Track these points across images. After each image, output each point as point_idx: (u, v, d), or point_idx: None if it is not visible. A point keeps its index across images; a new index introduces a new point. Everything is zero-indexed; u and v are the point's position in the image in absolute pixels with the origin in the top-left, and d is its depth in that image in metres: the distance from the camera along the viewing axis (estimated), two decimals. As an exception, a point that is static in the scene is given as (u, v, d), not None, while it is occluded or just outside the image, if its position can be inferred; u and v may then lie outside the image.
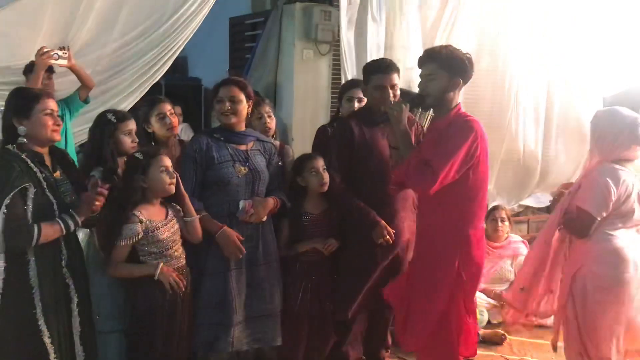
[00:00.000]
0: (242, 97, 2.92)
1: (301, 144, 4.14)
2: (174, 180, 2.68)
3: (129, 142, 2.87)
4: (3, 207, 2.22)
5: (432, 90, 2.65)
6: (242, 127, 3.00)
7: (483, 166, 2.66)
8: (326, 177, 3.08)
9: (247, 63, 5.05)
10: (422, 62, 2.70)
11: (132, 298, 2.69)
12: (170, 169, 2.68)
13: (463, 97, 4.54)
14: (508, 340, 3.98)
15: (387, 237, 3.05)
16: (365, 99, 3.35)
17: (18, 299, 2.30)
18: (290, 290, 3.09)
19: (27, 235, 2.26)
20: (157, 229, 2.64)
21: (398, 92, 3.08)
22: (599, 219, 2.80)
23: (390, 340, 3.55)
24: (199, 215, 2.78)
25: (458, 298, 2.71)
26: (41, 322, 2.32)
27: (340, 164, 3.14)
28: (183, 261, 2.75)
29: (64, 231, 2.36)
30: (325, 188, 3.09)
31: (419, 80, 2.74)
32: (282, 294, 3.06)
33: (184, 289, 2.69)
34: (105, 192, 2.44)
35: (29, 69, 3.38)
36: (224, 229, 2.83)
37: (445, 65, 2.61)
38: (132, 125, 2.91)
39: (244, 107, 2.94)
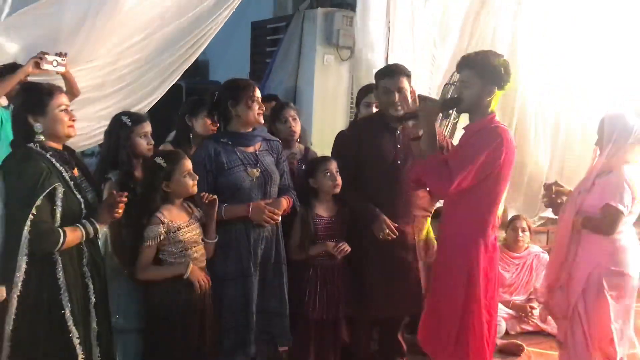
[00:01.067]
0: None
1: (320, 149, 4.11)
2: (196, 182, 2.70)
3: (144, 144, 2.88)
4: (33, 209, 2.19)
5: (466, 96, 2.65)
6: (249, 128, 2.98)
7: (504, 176, 2.64)
8: (339, 179, 3.09)
9: (267, 67, 5.06)
10: (459, 68, 2.71)
11: (150, 297, 2.69)
12: (192, 172, 2.70)
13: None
14: (526, 351, 3.93)
15: (389, 232, 3.05)
16: None
17: (47, 299, 2.29)
18: (303, 295, 3.08)
19: (53, 240, 2.24)
20: (178, 230, 2.65)
21: (407, 95, 3.11)
22: (625, 214, 2.90)
23: (405, 347, 3.53)
24: (222, 208, 2.80)
25: (473, 305, 2.69)
26: (70, 322, 2.31)
27: (345, 164, 3.14)
28: (203, 263, 2.76)
29: (84, 237, 2.35)
30: (338, 190, 3.11)
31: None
32: (296, 298, 3.06)
33: (208, 289, 2.71)
34: (124, 199, 2.43)
35: (10, 69, 3.16)
36: (253, 205, 2.85)
37: (480, 73, 2.60)
38: (147, 127, 2.91)
39: None
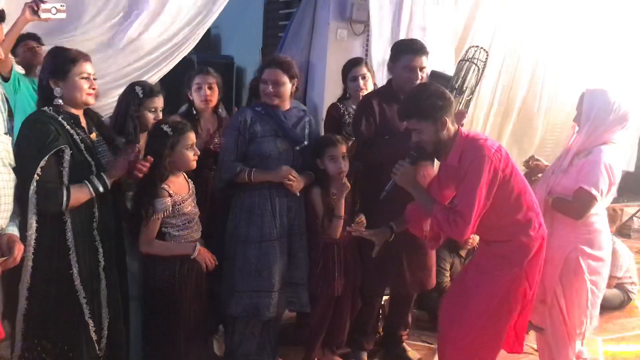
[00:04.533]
0: (286, 79, 2.97)
1: (332, 124, 4.10)
2: (197, 157, 2.72)
3: (151, 118, 2.88)
4: (38, 169, 2.24)
5: (426, 142, 2.57)
6: (286, 106, 3.05)
7: (515, 177, 2.56)
8: (345, 165, 3.06)
9: (280, 41, 5.02)
10: (402, 118, 2.65)
11: (147, 269, 2.72)
12: (195, 146, 2.72)
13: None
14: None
15: None
16: (369, 76, 3.46)
17: (56, 259, 2.34)
18: (313, 268, 3.12)
19: (56, 200, 2.28)
20: (182, 202, 2.68)
21: (425, 75, 3.12)
22: (599, 200, 2.82)
23: (410, 321, 3.57)
24: (250, 171, 2.90)
25: (517, 300, 2.63)
26: (77, 282, 2.37)
27: (368, 132, 3.12)
28: (199, 234, 2.80)
29: (93, 194, 2.37)
30: (343, 176, 3.07)
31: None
32: (311, 269, 3.12)
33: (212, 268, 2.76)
34: (147, 165, 2.46)
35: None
36: (277, 171, 2.91)
37: (423, 116, 2.52)
38: (158, 102, 2.91)
39: (287, 88, 2.99)
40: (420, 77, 3.11)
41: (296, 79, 3.02)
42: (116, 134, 2.80)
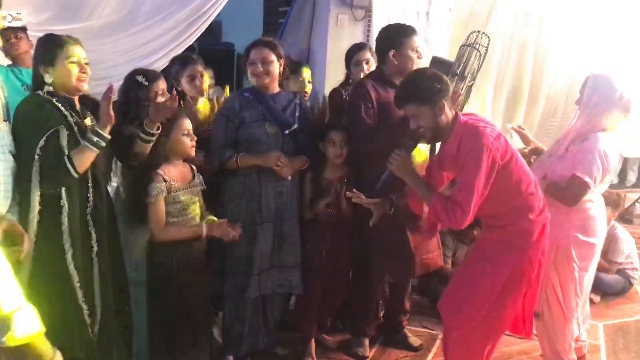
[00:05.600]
0: (273, 57, 2.96)
1: (332, 111, 4.09)
2: (194, 143, 2.72)
3: (162, 101, 2.84)
4: (37, 150, 2.24)
5: (423, 126, 2.53)
6: (275, 87, 3.05)
7: (513, 161, 2.52)
8: (343, 151, 3.09)
9: (280, 28, 5.00)
10: (400, 105, 2.59)
11: (151, 253, 2.73)
12: (192, 132, 2.71)
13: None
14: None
15: None
16: (373, 62, 3.41)
17: (51, 242, 2.35)
18: (309, 249, 3.16)
19: (62, 169, 2.28)
20: (178, 190, 2.68)
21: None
22: (592, 187, 2.82)
23: (408, 307, 3.58)
24: (238, 156, 2.90)
25: (520, 286, 2.62)
26: (71, 267, 2.38)
27: (369, 118, 3.09)
28: (197, 221, 2.78)
29: (95, 149, 2.34)
30: (339, 161, 3.12)
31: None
32: (302, 251, 3.15)
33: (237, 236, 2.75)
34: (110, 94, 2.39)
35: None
36: (266, 156, 2.91)
37: (421, 101, 2.49)
38: (163, 84, 2.92)
39: (276, 67, 2.98)
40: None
41: (282, 59, 3.02)
42: (125, 123, 2.77)
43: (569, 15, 5.23)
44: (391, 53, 3.14)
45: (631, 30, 5.67)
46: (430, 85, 2.49)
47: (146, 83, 2.83)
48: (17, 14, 3.22)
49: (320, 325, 3.43)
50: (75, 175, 2.30)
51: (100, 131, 2.36)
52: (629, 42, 5.66)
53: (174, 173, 2.70)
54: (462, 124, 2.55)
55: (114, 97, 2.47)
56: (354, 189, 2.78)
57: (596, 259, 3.04)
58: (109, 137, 2.38)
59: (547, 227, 2.63)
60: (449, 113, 2.54)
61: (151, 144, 2.65)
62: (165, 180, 2.63)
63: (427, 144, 2.76)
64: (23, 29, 3.51)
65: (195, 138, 2.74)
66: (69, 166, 2.28)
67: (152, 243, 2.71)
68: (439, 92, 2.49)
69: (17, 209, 2.27)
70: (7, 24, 3.16)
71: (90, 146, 2.34)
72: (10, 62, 3.63)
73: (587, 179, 2.80)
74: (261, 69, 2.93)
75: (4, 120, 2.25)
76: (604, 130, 2.87)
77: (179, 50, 3.91)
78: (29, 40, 3.53)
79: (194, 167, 2.83)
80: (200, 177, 2.83)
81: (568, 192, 2.86)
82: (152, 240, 2.69)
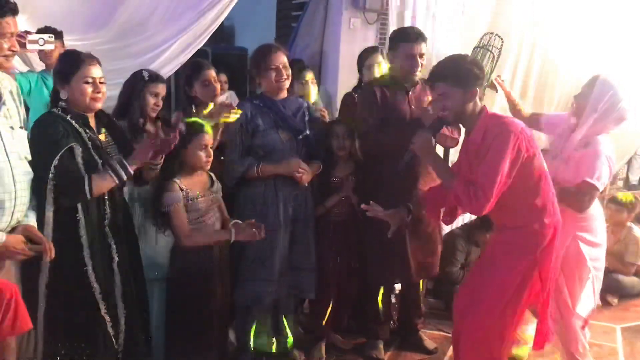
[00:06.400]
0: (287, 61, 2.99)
1: (346, 114, 4.10)
2: (211, 158, 2.72)
3: (152, 103, 2.91)
4: (52, 168, 2.26)
5: (450, 107, 2.49)
6: (284, 94, 3.05)
7: (537, 159, 2.50)
8: (346, 144, 3.14)
9: (293, 32, 5.02)
10: (432, 82, 2.56)
11: (174, 254, 2.75)
12: (209, 148, 2.71)
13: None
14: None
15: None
16: (384, 65, 3.41)
17: (71, 256, 2.35)
18: (321, 249, 3.17)
19: (80, 188, 2.29)
20: (196, 198, 2.69)
21: (425, 61, 3.11)
22: (600, 191, 2.85)
23: (423, 309, 3.58)
24: (259, 166, 2.90)
25: (531, 289, 2.59)
26: (92, 279, 2.38)
27: (372, 118, 3.11)
28: (216, 227, 2.80)
29: (117, 181, 2.36)
30: (341, 153, 3.16)
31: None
32: (316, 253, 3.15)
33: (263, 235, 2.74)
34: (174, 140, 2.40)
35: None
36: (287, 163, 2.91)
37: (456, 81, 2.46)
38: (161, 88, 2.95)
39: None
40: (420, 64, 3.10)
41: None
42: (119, 118, 2.81)
43: (577, 21, 5.18)
44: (390, 56, 3.20)
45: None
46: (470, 69, 2.48)
47: (147, 78, 2.89)
48: (49, 37, 3.16)
49: (336, 324, 3.42)
50: (89, 197, 2.32)
51: (126, 164, 2.37)
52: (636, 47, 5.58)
53: (191, 181, 2.71)
54: (489, 115, 2.53)
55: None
56: (371, 201, 2.77)
57: (603, 257, 3.03)
58: (132, 173, 2.39)
59: (558, 231, 2.60)
60: (478, 103, 2.52)
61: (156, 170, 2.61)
62: (181, 189, 2.64)
63: (449, 126, 2.71)
64: (59, 35, 3.47)
65: (212, 154, 2.73)
66: (86, 188, 2.29)
67: (172, 248, 2.73)
68: (475, 78, 2.48)
69: (34, 216, 2.28)
70: (37, 48, 3.11)
71: (113, 176, 2.35)
72: (44, 67, 3.65)
73: (597, 183, 2.81)
74: (285, 75, 2.95)
75: (20, 127, 2.28)
76: (601, 134, 2.89)
77: (189, 54, 3.93)
78: (63, 47, 3.47)
79: (212, 174, 2.83)
80: (219, 183, 2.85)
81: (580, 197, 2.85)
82: (177, 245, 2.72)
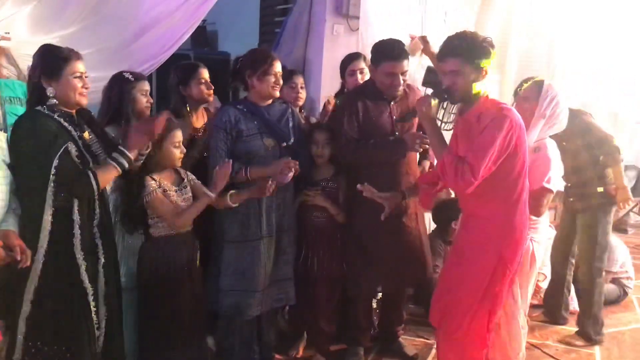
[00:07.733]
0: None
1: (328, 120, 4.10)
2: (182, 155, 2.74)
3: (144, 101, 2.92)
4: (53, 169, 2.23)
5: (460, 85, 2.50)
6: (265, 100, 3.04)
7: (522, 154, 2.53)
8: (325, 151, 3.15)
9: (276, 38, 5.01)
10: (444, 56, 2.53)
11: (141, 259, 2.76)
12: (182, 144, 2.73)
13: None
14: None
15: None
16: (367, 71, 3.41)
17: (65, 258, 2.34)
18: (302, 255, 3.19)
19: (86, 185, 2.29)
20: (169, 191, 2.71)
21: (407, 78, 3.14)
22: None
23: (404, 316, 3.59)
24: (247, 168, 2.88)
25: (502, 286, 2.62)
26: (86, 281, 2.36)
27: (351, 131, 3.11)
28: (189, 227, 2.80)
29: (119, 170, 2.37)
30: (319, 161, 3.18)
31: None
32: (296, 261, 3.17)
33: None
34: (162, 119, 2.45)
35: None
36: (274, 164, 2.87)
37: (471, 58, 2.46)
38: (146, 86, 2.97)
39: None
40: (402, 82, 3.09)
41: None
42: (106, 123, 2.80)
43: (581, 33, 5.26)
44: (372, 70, 3.19)
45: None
46: (485, 48, 2.48)
47: (132, 79, 2.88)
48: (5, 33, 3.11)
49: (327, 335, 3.40)
50: (97, 192, 2.32)
51: (124, 150, 2.38)
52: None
53: (163, 177, 2.73)
54: (488, 99, 2.56)
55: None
56: (365, 183, 2.79)
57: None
58: (132, 158, 2.40)
59: (526, 232, 2.64)
60: (483, 86, 2.53)
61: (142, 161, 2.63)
62: (154, 180, 2.66)
63: (453, 103, 2.71)
64: None
65: (185, 150, 2.75)
66: (93, 182, 2.28)
67: (140, 249, 2.74)
68: (488, 57, 2.48)
69: (14, 220, 2.25)
70: None
71: (116, 165, 2.36)
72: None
73: (552, 187, 2.93)
74: (280, 82, 2.96)
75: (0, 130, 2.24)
76: (545, 138, 3.01)
77: (166, 57, 3.90)
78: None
79: (180, 170, 2.83)
80: (190, 174, 2.85)
81: (537, 203, 2.88)
82: (144, 245, 2.74)
